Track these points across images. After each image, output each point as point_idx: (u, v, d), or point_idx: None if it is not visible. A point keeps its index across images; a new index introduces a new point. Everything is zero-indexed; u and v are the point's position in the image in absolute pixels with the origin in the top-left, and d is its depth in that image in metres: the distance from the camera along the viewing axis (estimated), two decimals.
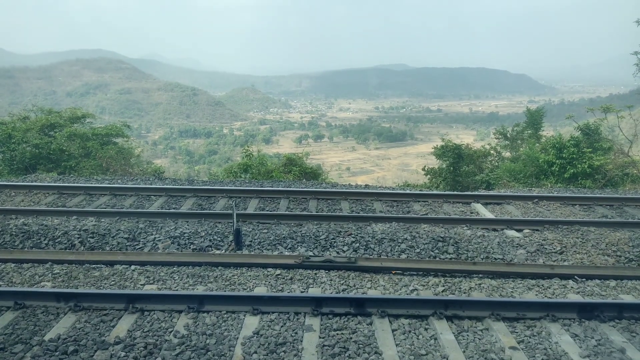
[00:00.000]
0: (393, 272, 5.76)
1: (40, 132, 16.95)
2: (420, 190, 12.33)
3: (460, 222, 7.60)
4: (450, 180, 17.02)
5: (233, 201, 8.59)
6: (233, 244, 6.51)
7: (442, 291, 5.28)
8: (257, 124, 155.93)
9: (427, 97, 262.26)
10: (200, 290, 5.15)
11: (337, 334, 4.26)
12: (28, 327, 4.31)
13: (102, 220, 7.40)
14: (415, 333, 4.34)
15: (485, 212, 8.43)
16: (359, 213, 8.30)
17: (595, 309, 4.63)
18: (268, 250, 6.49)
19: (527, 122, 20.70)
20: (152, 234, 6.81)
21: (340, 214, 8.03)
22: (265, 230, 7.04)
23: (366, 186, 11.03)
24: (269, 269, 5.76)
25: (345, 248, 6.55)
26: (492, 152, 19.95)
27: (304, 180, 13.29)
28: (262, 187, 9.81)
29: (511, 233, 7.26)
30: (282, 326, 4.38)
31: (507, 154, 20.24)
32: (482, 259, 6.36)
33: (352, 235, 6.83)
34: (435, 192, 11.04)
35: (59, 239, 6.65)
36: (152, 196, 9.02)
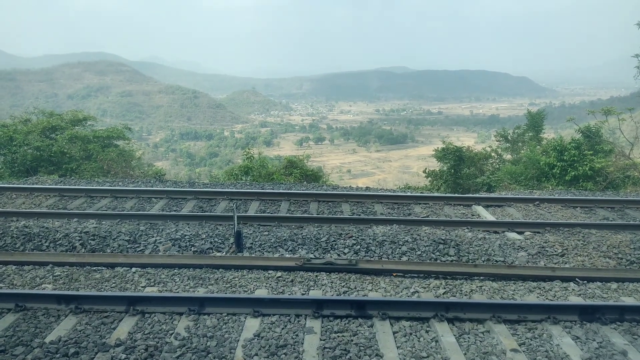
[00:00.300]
0: (394, 274, 5.76)
1: (41, 135, 16.96)
2: (421, 193, 12.30)
3: (461, 225, 7.59)
4: (451, 182, 16.99)
5: (234, 203, 8.59)
6: (234, 246, 6.51)
7: (443, 293, 5.27)
8: (258, 126, 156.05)
9: (428, 99, 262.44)
10: (201, 292, 5.15)
11: (338, 336, 4.26)
12: (29, 329, 4.31)
13: (103, 222, 7.40)
14: (416, 335, 4.33)
15: (486, 215, 8.43)
16: (359, 215, 8.30)
17: (597, 311, 4.62)
18: (269, 252, 6.48)
19: (528, 124, 20.69)
20: (153, 236, 6.81)
21: (341, 216, 8.03)
22: (266, 233, 7.03)
23: (367, 188, 11.02)
24: (270, 271, 5.75)
25: (346, 250, 6.55)
26: (493, 154, 19.92)
27: (305, 182, 13.29)
28: (262, 189, 9.82)
29: (512, 235, 7.25)
30: (282, 328, 4.38)
31: (508, 157, 20.22)
32: (483, 261, 6.35)
33: (353, 238, 6.82)
34: (436, 194, 11.02)
35: (60, 241, 6.65)
36: (153, 198, 9.03)
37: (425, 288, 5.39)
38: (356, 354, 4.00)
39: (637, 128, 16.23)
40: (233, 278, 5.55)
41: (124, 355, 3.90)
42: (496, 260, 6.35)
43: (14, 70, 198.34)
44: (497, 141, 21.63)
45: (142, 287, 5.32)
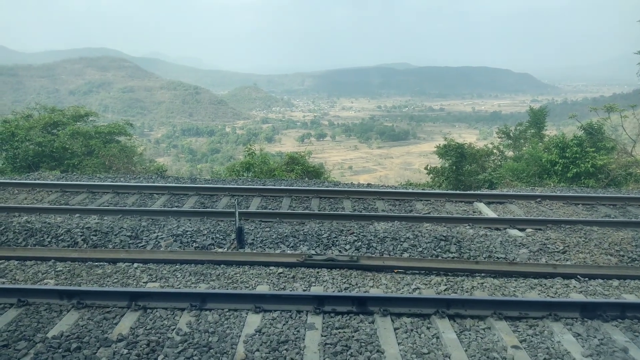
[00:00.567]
0: (395, 270, 5.76)
1: (43, 130, 16.99)
2: (422, 189, 12.31)
3: (463, 221, 7.58)
4: (452, 179, 16.99)
5: (235, 199, 8.59)
6: (235, 242, 6.52)
7: (445, 290, 5.28)
8: (259, 122, 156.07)
9: (429, 96, 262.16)
10: (202, 288, 5.16)
11: (339, 333, 4.27)
12: (31, 324, 4.32)
13: (105, 218, 7.41)
14: (417, 332, 4.34)
15: (487, 211, 8.42)
16: (361, 212, 8.29)
17: (598, 308, 4.62)
18: (270, 248, 6.49)
19: (530, 121, 20.67)
20: (154, 232, 6.82)
21: (343, 212, 8.03)
22: (268, 229, 7.04)
23: (368, 185, 11.02)
24: (271, 268, 5.76)
25: (348, 247, 6.55)
26: (494, 151, 19.91)
27: (306, 178, 13.29)
28: (264, 185, 9.82)
29: (514, 232, 7.25)
30: (284, 324, 4.39)
31: (509, 153, 20.21)
32: (485, 258, 6.35)
33: (355, 234, 6.82)
34: (437, 191, 11.02)
35: (62, 237, 6.67)
36: (155, 194, 9.03)
37: (426, 285, 5.40)
38: (357, 350, 4.01)
39: (639, 125, 16.19)
40: (234, 274, 5.56)
41: (125, 351, 3.91)
42: (497, 257, 6.35)
43: (15, 65, 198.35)
44: (499, 138, 21.63)
45: (143, 282, 5.33)
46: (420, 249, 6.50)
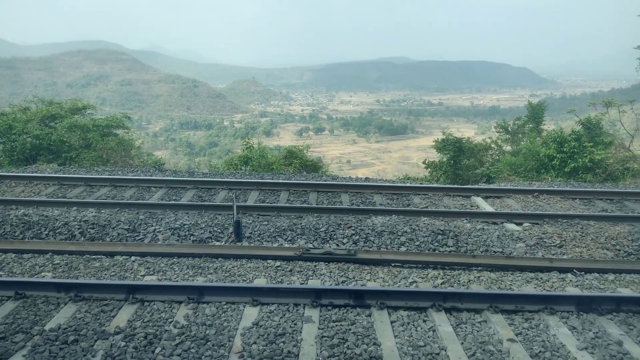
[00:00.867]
0: (392, 264, 5.78)
1: (40, 123, 16.92)
2: (420, 184, 12.33)
3: (460, 215, 7.60)
4: (450, 173, 17.01)
5: (233, 193, 8.59)
6: (233, 235, 6.52)
7: (441, 283, 5.30)
8: (257, 116, 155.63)
9: (428, 90, 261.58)
10: (200, 281, 5.17)
11: (336, 325, 4.28)
12: (29, 317, 4.33)
13: (103, 211, 7.42)
14: (413, 325, 4.36)
15: (485, 206, 8.44)
16: (359, 206, 8.31)
17: (594, 302, 4.65)
18: (268, 242, 6.50)
19: (529, 115, 20.65)
20: (152, 225, 6.83)
21: (341, 206, 8.04)
22: (265, 222, 7.05)
23: (366, 179, 11.03)
24: (269, 261, 5.77)
25: (345, 240, 6.57)
26: (492, 145, 19.92)
27: (305, 172, 13.29)
28: (262, 179, 9.82)
29: (511, 226, 7.27)
30: (281, 317, 4.40)
31: (507, 148, 20.22)
32: (482, 252, 6.37)
33: (352, 228, 6.84)
34: (435, 185, 11.04)
35: (60, 230, 6.67)
36: (153, 188, 9.03)
37: (423, 278, 5.42)
38: (354, 342, 4.03)
39: (637, 120, 16.22)
40: (232, 267, 5.57)
41: (123, 343, 3.92)
42: (494, 251, 6.37)
43: (13, 58, 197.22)
44: (497, 132, 21.62)
45: (141, 275, 5.34)
46: (417, 243, 6.52)
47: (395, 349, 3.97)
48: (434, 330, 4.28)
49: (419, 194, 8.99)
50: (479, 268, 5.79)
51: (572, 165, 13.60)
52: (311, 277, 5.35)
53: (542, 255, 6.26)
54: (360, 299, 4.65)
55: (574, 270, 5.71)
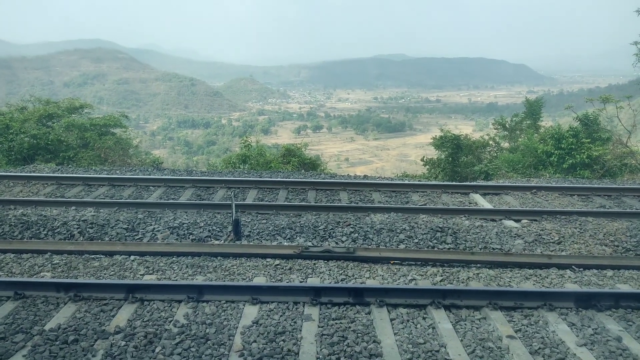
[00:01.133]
0: (391, 262, 5.79)
1: (38, 123, 16.88)
2: (418, 181, 12.35)
3: (459, 213, 7.61)
4: (448, 170, 17.02)
5: (232, 192, 8.59)
6: (232, 234, 6.52)
7: (440, 281, 5.31)
8: (255, 114, 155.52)
9: (426, 87, 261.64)
10: (199, 280, 5.17)
11: (336, 323, 4.29)
12: (28, 317, 4.32)
13: (101, 210, 7.40)
14: (413, 322, 4.37)
15: (483, 203, 8.45)
16: (357, 203, 8.31)
17: (592, 298, 4.66)
18: (267, 240, 6.51)
19: (526, 112, 20.65)
20: (151, 225, 6.82)
21: (339, 204, 8.04)
22: (264, 221, 7.05)
23: (365, 177, 11.04)
24: (268, 259, 5.78)
25: (344, 238, 6.57)
26: (490, 142, 19.92)
27: (303, 170, 13.29)
28: (260, 177, 9.82)
29: (509, 223, 7.28)
30: (281, 315, 4.41)
31: (505, 145, 20.22)
32: (480, 249, 6.39)
33: (351, 226, 6.84)
34: (433, 182, 11.04)
35: (58, 230, 6.66)
36: (151, 187, 9.02)
37: (422, 276, 5.42)
38: (354, 340, 4.03)
39: (634, 116, 16.25)
40: (231, 266, 5.57)
41: (123, 342, 3.92)
42: (493, 248, 6.39)
43: (9, 57, 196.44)
44: (495, 129, 21.63)
45: (140, 275, 5.33)
46: (416, 240, 6.53)
47: (395, 346, 3.98)
48: (433, 328, 4.29)
49: (417, 192, 9.00)
50: (478, 265, 5.80)
51: (570, 161, 13.63)
52: (310, 276, 5.35)
53: (541, 252, 6.28)
54: (360, 296, 4.65)
55: (573, 267, 5.72)
